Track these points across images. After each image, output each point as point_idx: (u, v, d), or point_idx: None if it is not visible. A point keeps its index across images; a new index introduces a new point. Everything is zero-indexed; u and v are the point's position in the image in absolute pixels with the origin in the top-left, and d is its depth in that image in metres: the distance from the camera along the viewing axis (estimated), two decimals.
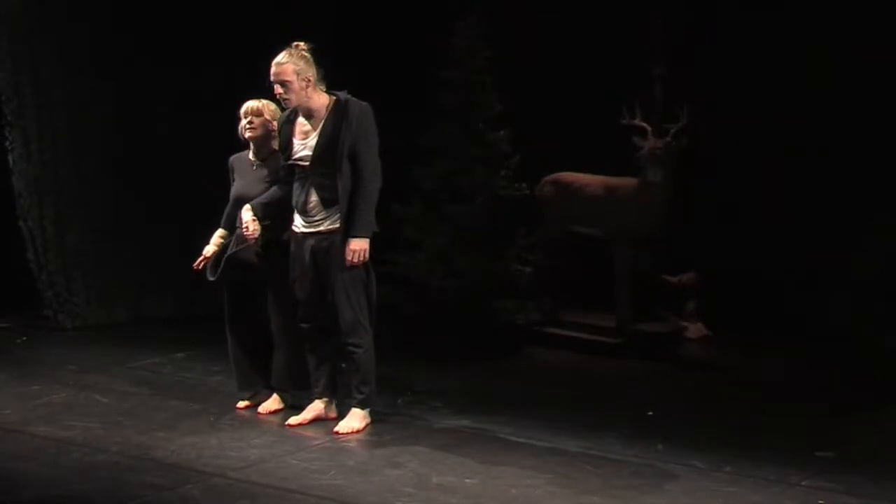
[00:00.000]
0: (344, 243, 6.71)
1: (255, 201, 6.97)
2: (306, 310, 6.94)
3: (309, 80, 6.69)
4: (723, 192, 9.34)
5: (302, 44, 6.78)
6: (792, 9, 9.00)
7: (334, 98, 6.77)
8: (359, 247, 6.71)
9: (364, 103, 6.78)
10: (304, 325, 6.98)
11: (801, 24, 8.97)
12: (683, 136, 8.68)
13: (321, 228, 6.80)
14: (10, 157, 9.29)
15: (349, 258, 6.70)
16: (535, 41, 9.81)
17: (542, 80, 9.66)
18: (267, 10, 9.69)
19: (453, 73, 9.07)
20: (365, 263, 6.80)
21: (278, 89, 6.72)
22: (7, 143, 9.28)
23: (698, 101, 8.77)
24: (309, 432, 6.88)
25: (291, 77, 6.67)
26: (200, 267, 7.22)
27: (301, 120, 6.83)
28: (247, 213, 6.91)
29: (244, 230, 6.92)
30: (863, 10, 8.74)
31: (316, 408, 7.07)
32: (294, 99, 6.73)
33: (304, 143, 6.79)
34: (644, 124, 8.74)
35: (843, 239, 8.87)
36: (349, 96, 6.77)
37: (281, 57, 6.72)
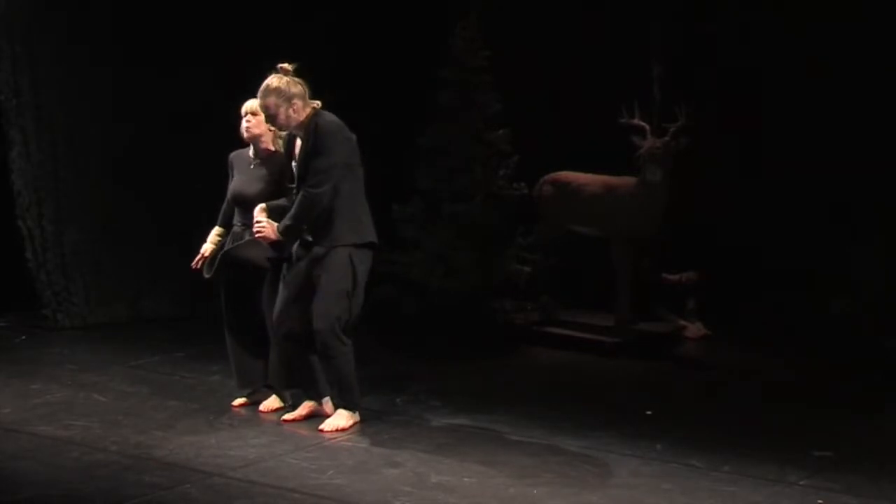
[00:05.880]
0: (325, 256, 6.72)
1: (271, 203, 6.94)
2: (280, 310, 6.90)
3: (295, 106, 6.67)
4: (723, 192, 9.33)
5: (286, 65, 6.76)
6: (791, 8, 9.00)
7: (312, 115, 6.73)
8: (269, 230, 6.76)
9: (330, 127, 6.70)
10: (293, 328, 6.96)
11: (802, 24, 8.97)
12: (682, 136, 8.68)
13: (312, 239, 6.81)
14: (9, 157, 9.29)
15: (255, 227, 6.80)
16: (535, 41, 9.81)
17: (542, 79, 9.66)
18: (266, 11, 9.69)
19: (453, 73, 9.08)
20: (354, 274, 6.77)
21: (267, 121, 6.78)
22: (7, 143, 9.28)
23: (698, 100, 8.77)
24: (307, 431, 6.88)
25: (275, 110, 6.68)
26: (198, 266, 7.23)
27: (299, 140, 6.86)
28: (261, 214, 6.87)
29: (255, 224, 6.86)
30: (863, 9, 8.74)
31: (309, 405, 7.08)
32: (284, 127, 6.78)
33: (295, 165, 6.85)
34: (643, 124, 8.74)
35: (844, 238, 8.86)
36: (318, 120, 6.70)
37: (263, 89, 6.69)
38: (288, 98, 6.67)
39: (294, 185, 6.82)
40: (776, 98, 9.13)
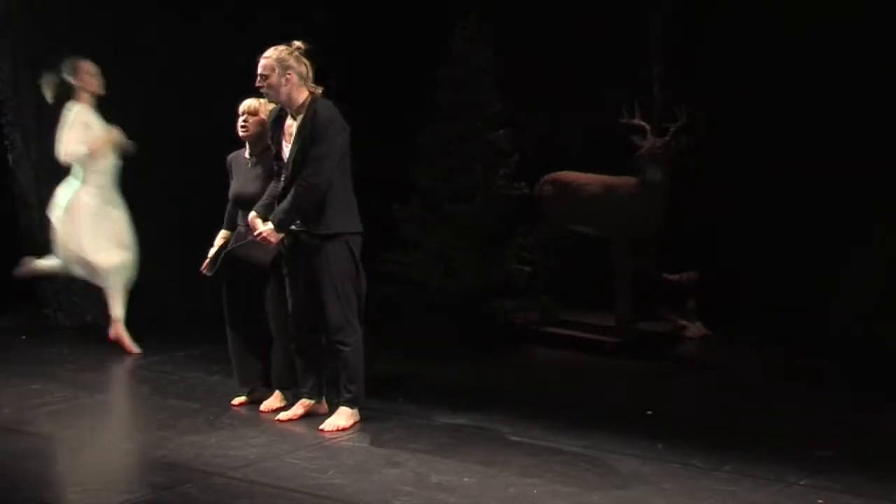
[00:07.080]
0: (324, 245, 6.72)
1: (257, 204, 6.94)
2: (296, 309, 6.93)
3: (289, 78, 6.69)
4: (723, 192, 9.33)
5: (298, 42, 6.79)
6: (791, 8, 9.00)
7: (311, 101, 6.73)
8: (267, 232, 6.75)
9: (329, 116, 6.70)
10: (294, 325, 6.95)
11: (802, 24, 8.97)
12: (682, 136, 8.68)
13: (309, 230, 6.80)
14: (9, 157, 9.29)
15: (258, 238, 6.80)
16: (535, 40, 9.81)
17: (542, 79, 9.66)
18: (268, 8, 9.69)
19: (453, 72, 9.08)
20: (355, 261, 6.79)
21: (259, 81, 6.75)
22: (7, 143, 9.28)
23: (698, 100, 8.77)
24: (308, 431, 6.87)
25: (269, 72, 6.70)
26: (205, 269, 7.22)
27: (289, 120, 6.84)
28: (256, 221, 6.87)
29: (257, 236, 6.84)
30: (863, 9, 8.73)
31: (304, 404, 7.08)
32: (273, 94, 6.76)
33: (288, 147, 6.82)
34: (643, 124, 8.74)
35: (843, 238, 8.86)
36: (317, 107, 6.71)
37: (268, 51, 6.75)
38: (284, 66, 6.68)
39: (281, 167, 6.79)
40: (776, 98, 9.12)
